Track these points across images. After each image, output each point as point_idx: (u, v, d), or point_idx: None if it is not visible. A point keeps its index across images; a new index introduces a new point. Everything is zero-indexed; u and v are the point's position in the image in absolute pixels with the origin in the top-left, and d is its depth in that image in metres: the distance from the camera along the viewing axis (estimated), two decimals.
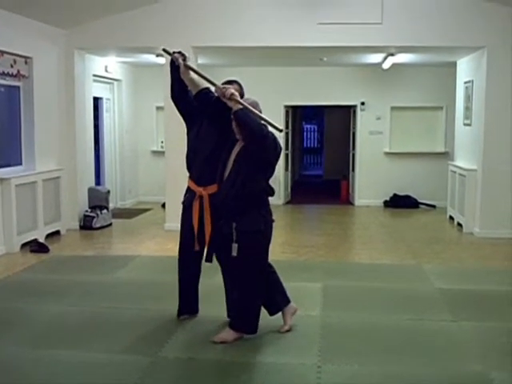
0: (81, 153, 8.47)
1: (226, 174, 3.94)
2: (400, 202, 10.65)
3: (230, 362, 3.70)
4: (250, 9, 7.80)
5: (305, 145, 20.11)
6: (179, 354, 3.85)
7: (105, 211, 8.56)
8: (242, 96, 4.04)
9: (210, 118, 4.17)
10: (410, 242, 7.56)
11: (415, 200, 10.67)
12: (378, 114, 10.86)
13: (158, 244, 7.36)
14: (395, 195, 10.79)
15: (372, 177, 10.88)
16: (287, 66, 10.55)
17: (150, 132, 11.18)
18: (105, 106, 10.17)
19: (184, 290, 4.42)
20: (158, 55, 8.70)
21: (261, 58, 9.52)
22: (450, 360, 3.77)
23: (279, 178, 10.77)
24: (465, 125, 8.81)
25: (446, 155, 10.52)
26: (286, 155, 11.38)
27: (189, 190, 4.32)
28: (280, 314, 4.24)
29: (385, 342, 4.04)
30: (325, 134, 16.65)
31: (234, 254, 3.87)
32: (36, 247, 6.94)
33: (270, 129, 3.82)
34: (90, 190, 8.74)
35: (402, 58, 9.05)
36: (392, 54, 8.72)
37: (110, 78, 10.05)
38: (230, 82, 4.13)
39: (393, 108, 10.85)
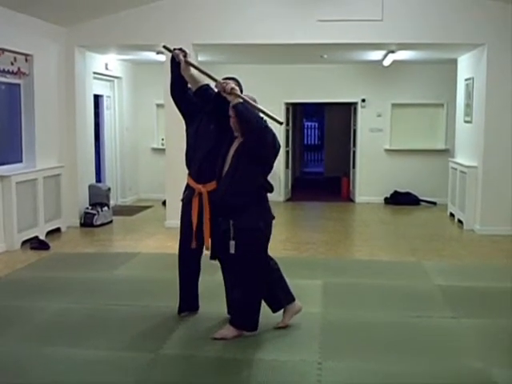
0: (81, 150, 8.47)
1: (225, 170, 3.94)
2: (401, 199, 10.65)
3: (230, 358, 3.70)
4: (250, 6, 7.79)
5: (305, 142, 20.10)
6: (180, 350, 3.86)
7: (105, 208, 8.57)
8: (240, 92, 4.04)
9: (210, 115, 4.18)
10: (411, 239, 7.56)
11: (416, 197, 10.67)
12: (378, 111, 10.86)
13: (159, 241, 7.36)
14: (396, 192, 10.79)
15: (373, 174, 10.87)
16: (288, 63, 10.54)
17: (151, 129, 11.18)
18: (105, 103, 10.17)
19: (184, 287, 4.42)
20: (158, 53, 8.68)
21: (261, 55, 9.52)
22: (450, 356, 3.77)
23: (280, 175, 10.78)
24: (465, 122, 8.81)
25: (447, 152, 10.51)
26: (287, 152, 11.37)
27: (188, 187, 4.32)
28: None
29: (385, 339, 4.05)
30: (325, 131, 16.64)
31: (232, 251, 3.88)
32: (36, 244, 6.94)
33: (270, 125, 3.82)
34: (91, 188, 8.75)
35: (403, 55, 9.04)
36: (392, 51, 8.71)
37: (111, 76, 10.05)
38: (228, 79, 4.12)
39: (393, 105, 10.84)
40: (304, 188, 13.50)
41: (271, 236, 4.04)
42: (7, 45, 6.82)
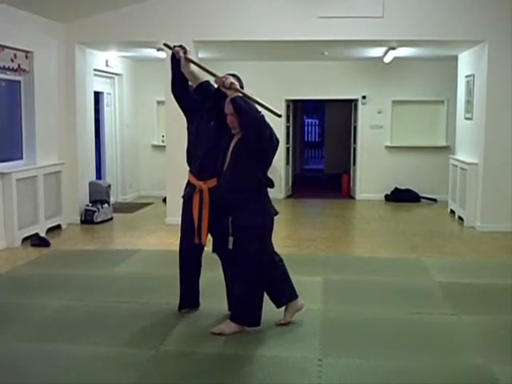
0: (82, 147, 8.47)
1: (225, 167, 3.95)
2: (401, 196, 10.65)
3: (231, 355, 3.71)
4: (250, 3, 7.78)
5: (306, 139, 20.09)
6: (180, 347, 3.86)
7: (106, 205, 8.57)
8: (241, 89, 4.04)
9: (210, 112, 4.17)
10: (411, 236, 7.56)
11: (416, 194, 10.67)
12: (379, 107, 10.85)
13: (159, 238, 7.36)
14: (396, 189, 10.79)
15: (373, 171, 10.87)
16: (288, 60, 10.53)
17: (151, 126, 11.18)
18: (105, 100, 10.16)
19: (185, 283, 4.42)
20: (158, 49, 8.68)
21: (262, 52, 9.51)
22: (451, 353, 3.77)
23: (280, 172, 10.78)
24: (466, 119, 8.80)
25: (447, 149, 10.50)
26: (287, 149, 11.37)
27: (189, 183, 4.32)
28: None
29: (385, 336, 4.05)
30: (326, 128, 16.63)
31: (230, 246, 3.89)
32: (37, 241, 6.95)
33: (269, 121, 3.82)
34: (91, 184, 8.75)
35: (403, 51, 9.03)
36: (393, 48, 8.70)
37: (111, 73, 10.04)
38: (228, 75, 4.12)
39: (394, 102, 10.83)
40: (304, 185, 13.51)
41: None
42: (7, 41, 6.81)
